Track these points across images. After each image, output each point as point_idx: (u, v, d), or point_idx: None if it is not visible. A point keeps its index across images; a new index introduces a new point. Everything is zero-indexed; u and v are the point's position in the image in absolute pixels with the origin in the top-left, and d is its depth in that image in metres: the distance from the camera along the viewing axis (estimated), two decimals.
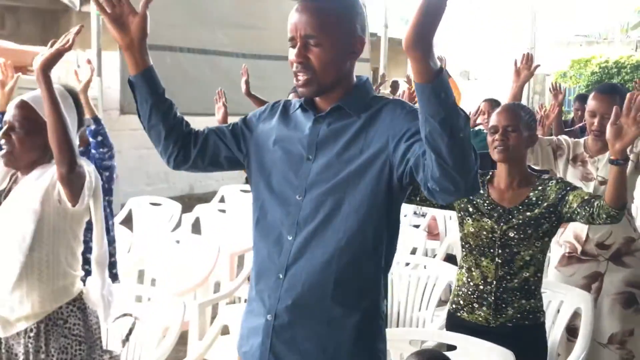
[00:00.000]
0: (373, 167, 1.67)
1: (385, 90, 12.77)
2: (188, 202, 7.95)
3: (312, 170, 1.73)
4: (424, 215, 5.62)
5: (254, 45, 8.96)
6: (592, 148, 3.27)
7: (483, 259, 2.59)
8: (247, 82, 4.33)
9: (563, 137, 3.34)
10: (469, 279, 2.63)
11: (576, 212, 2.46)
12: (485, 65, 19.81)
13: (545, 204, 2.53)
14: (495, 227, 2.56)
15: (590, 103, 3.18)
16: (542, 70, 20.05)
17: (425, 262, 3.72)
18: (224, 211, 5.46)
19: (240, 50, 8.87)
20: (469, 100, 6.51)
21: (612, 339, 3.22)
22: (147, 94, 1.78)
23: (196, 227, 5.41)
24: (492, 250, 2.57)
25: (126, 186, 8.16)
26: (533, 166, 3.35)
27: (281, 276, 1.73)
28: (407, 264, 3.68)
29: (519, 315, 2.56)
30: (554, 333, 2.99)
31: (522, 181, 2.61)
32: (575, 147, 3.28)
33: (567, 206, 2.49)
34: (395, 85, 12.49)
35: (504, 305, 2.56)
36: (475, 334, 2.56)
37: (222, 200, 6.17)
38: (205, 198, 7.21)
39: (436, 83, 1.39)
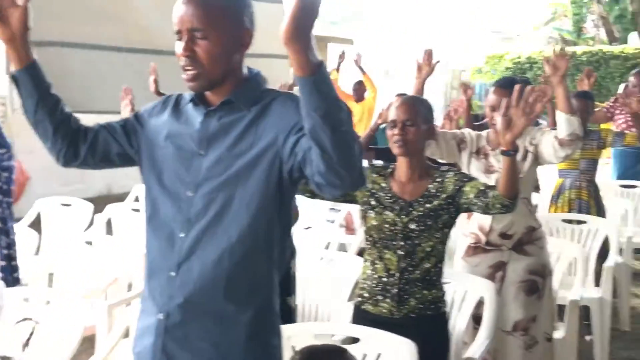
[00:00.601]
0: (263, 162, 1.66)
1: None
2: (105, 202, 7.78)
3: (203, 166, 1.71)
4: (339, 211, 5.64)
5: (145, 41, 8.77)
6: (494, 141, 3.36)
7: (386, 251, 2.62)
8: (155, 81, 4.26)
9: (467, 131, 3.41)
10: (373, 272, 2.66)
11: (473, 202, 2.52)
12: (403, 63, 20.11)
13: (443, 196, 2.58)
14: (397, 219, 2.60)
15: (490, 97, 3.26)
16: (458, 66, 20.51)
17: (337, 256, 3.74)
18: (137, 210, 5.35)
19: (140, 46, 8.65)
20: (387, 97, 6.62)
21: (516, 326, 3.31)
22: (32, 88, 1.74)
23: (111, 228, 5.29)
24: (394, 243, 2.60)
25: (39, 187, 7.91)
26: (439, 159, 3.41)
27: (173, 274, 1.70)
28: (322, 259, 3.70)
29: (421, 306, 2.60)
30: (460, 322, 3.05)
31: (422, 174, 2.65)
32: (478, 140, 3.35)
33: (464, 197, 2.54)
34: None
35: (406, 297, 2.60)
36: (380, 326, 2.58)
37: (136, 199, 6.05)
38: (123, 198, 7.09)
39: (317, 76, 1.40)
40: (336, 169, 1.47)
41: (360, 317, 2.69)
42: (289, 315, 3.01)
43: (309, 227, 5.00)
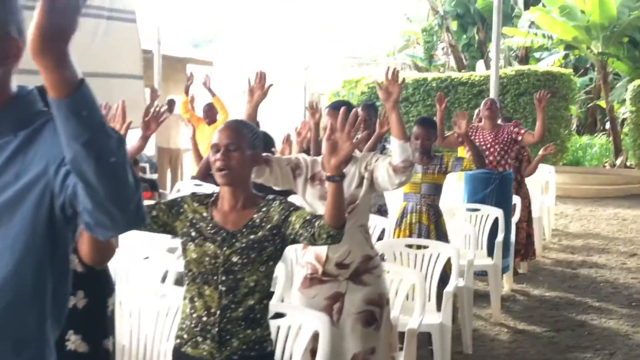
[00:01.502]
0: (31, 196, 1.40)
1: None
2: None
3: None
4: None
5: None
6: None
7: (206, 287, 2.40)
8: None
9: (302, 156, 3.27)
10: (192, 311, 2.43)
11: (299, 233, 2.36)
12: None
13: (269, 226, 2.41)
14: (219, 252, 2.39)
15: (324, 120, 3.17)
16: (317, 89, 20.76)
17: (171, 290, 3.47)
18: None
19: None
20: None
21: (354, 359, 3.18)
22: None
23: None
24: (215, 278, 2.39)
25: None
26: (274, 187, 3.25)
27: None
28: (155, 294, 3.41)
29: (244, 347, 2.40)
30: (295, 356, 2.89)
31: (247, 203, 2.47)
32: (313, 166, 3.22)
33: (290, 227, 2.38)
34: (171, 104, 12.13)
35: (228, 337, 2.39)
36: None
37: None
38: None
39: (75, 98, 1.17)
40: (105, 206, 1.24)
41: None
42: (106, 359, 2.73)
43: (147, 257, 4.69)
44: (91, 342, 2.64)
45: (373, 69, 20.65)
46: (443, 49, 21.73)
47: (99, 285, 2.70)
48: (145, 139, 4.18)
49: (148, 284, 3.79)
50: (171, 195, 8.11)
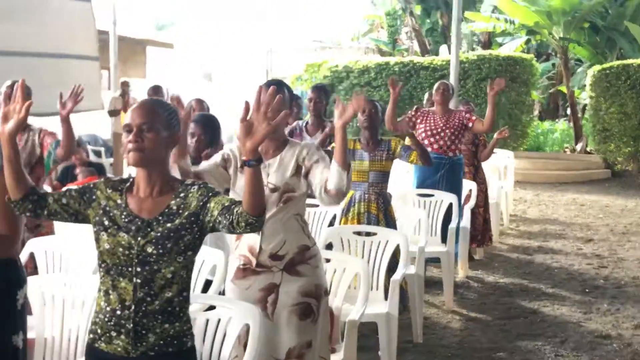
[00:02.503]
0: None
1: (115, 93, 12.07)
2: None
3: None
4: None
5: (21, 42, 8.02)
6: (262, 151, 3.07)
7: (121, 279, 2.23)
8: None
9: (229, 147, 3.14)
10: (106, 304, 2.26)
11: (217, 220, 2.19)
12: (225, 68, 19.80)
13: (186, 213, 2.24)
14: (133, 242, 2.22)
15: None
16: (279, 73, 20.52)
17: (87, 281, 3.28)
18: None
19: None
20: (210, 102, 6.17)
21: (290, 353, 3.03)
22: None
23: None
24: (130, 269, 2.22)
25: None
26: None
27: None
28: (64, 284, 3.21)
29: (161, 342, 2.23)
30: (224, 352, 2.74)
31: (164, 187, 2.29)
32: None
33: (209, 214, 2.21)
34: (124, 86, 11.84)
35: (144, 332, 2.22)
36: None
37: None
38: None
39: None
40: None
41: (93, 357, 2.29)
42: (15, 357, 2.54)
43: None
44: None
45: (336, 53, 20.48)
46: (407, 33, 21.61)
47: (7, 277, 2.50)
48: (64, 120, 4.01)
49: (78, 272, 3.60)
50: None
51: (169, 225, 2.23)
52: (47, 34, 8.99)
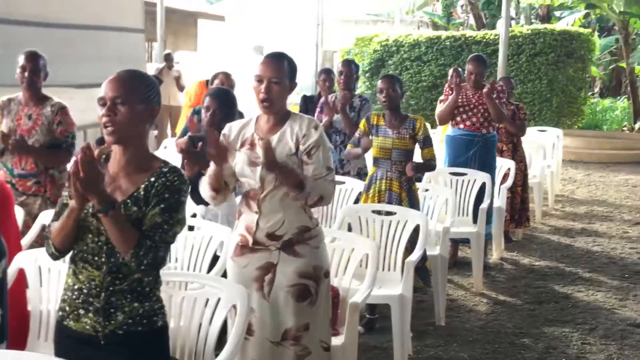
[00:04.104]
0: None
1: (160, 65, 12.10)
2: None
3: None
4: None
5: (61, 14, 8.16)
6: (264, 127, 2.98)
7: (88, 266, 2.18)
8: None
9: (228, 126, 3.08)
10: (75, 282, 2.21)
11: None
12: (276, 41, 19.68)
13: (143, 207, 2.16)
14: (102, 228, 2.15)
15: (259, 68, 2.89)
16: (330, 47, 20.30)
17: None
18: None
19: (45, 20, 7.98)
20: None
21: (286, 335, 2.96)
22: None
23: None
24: (96, 259, 2.18)
25: None
26: None
27: None
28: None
29: (130, 321, 2.18)
30: (211, 333, 2.68)
31: (141, 164, 2.22)
32: (242, 131, 2.99)
33: (145, 221, 2.17)
34: (168, 58, 11.86)
35: (112, 310, 2.17)
36: (83, 346, 2.18)
37: None
38: None
39: None
40: None
41: (62, 335, 2.25)
42: None
43: None
44: None
45: (388, 27, 20.12)
46: (462, 6, 21.09)
47: None
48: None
49: None
50: (158, 152, 7.89)
51: (135, 209, 2.16)
52: (90, 6, 9.04)
